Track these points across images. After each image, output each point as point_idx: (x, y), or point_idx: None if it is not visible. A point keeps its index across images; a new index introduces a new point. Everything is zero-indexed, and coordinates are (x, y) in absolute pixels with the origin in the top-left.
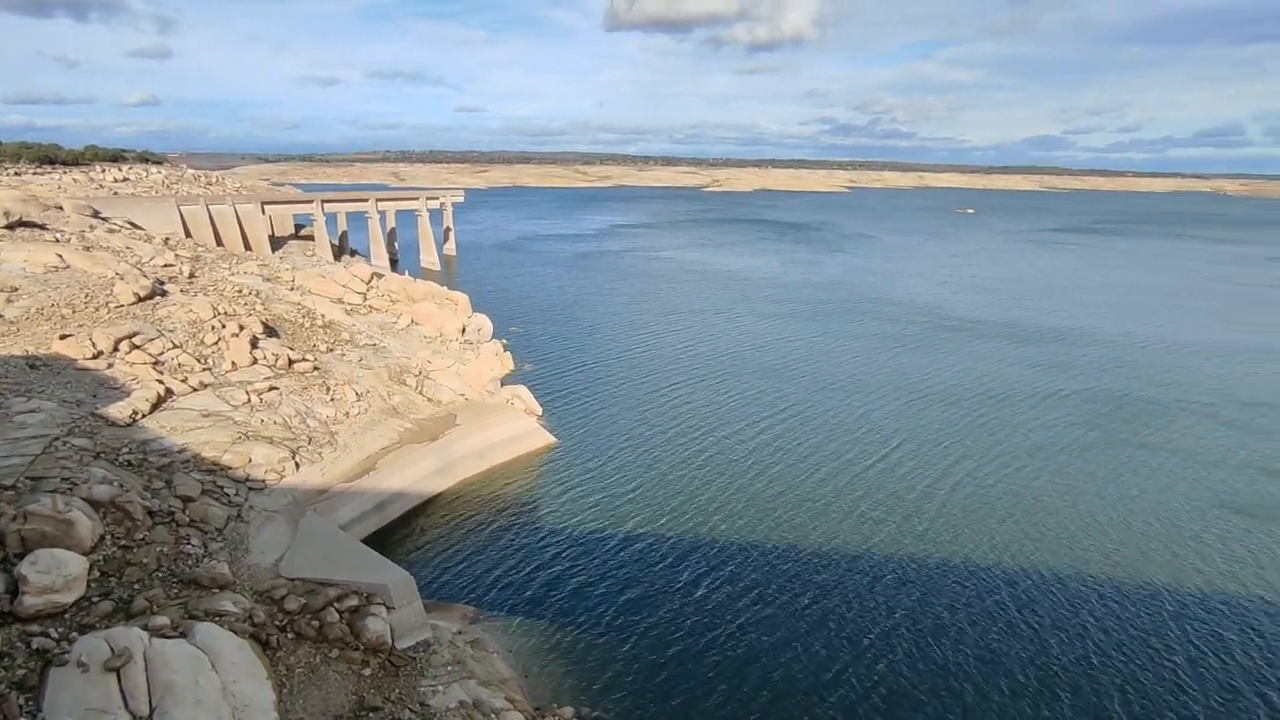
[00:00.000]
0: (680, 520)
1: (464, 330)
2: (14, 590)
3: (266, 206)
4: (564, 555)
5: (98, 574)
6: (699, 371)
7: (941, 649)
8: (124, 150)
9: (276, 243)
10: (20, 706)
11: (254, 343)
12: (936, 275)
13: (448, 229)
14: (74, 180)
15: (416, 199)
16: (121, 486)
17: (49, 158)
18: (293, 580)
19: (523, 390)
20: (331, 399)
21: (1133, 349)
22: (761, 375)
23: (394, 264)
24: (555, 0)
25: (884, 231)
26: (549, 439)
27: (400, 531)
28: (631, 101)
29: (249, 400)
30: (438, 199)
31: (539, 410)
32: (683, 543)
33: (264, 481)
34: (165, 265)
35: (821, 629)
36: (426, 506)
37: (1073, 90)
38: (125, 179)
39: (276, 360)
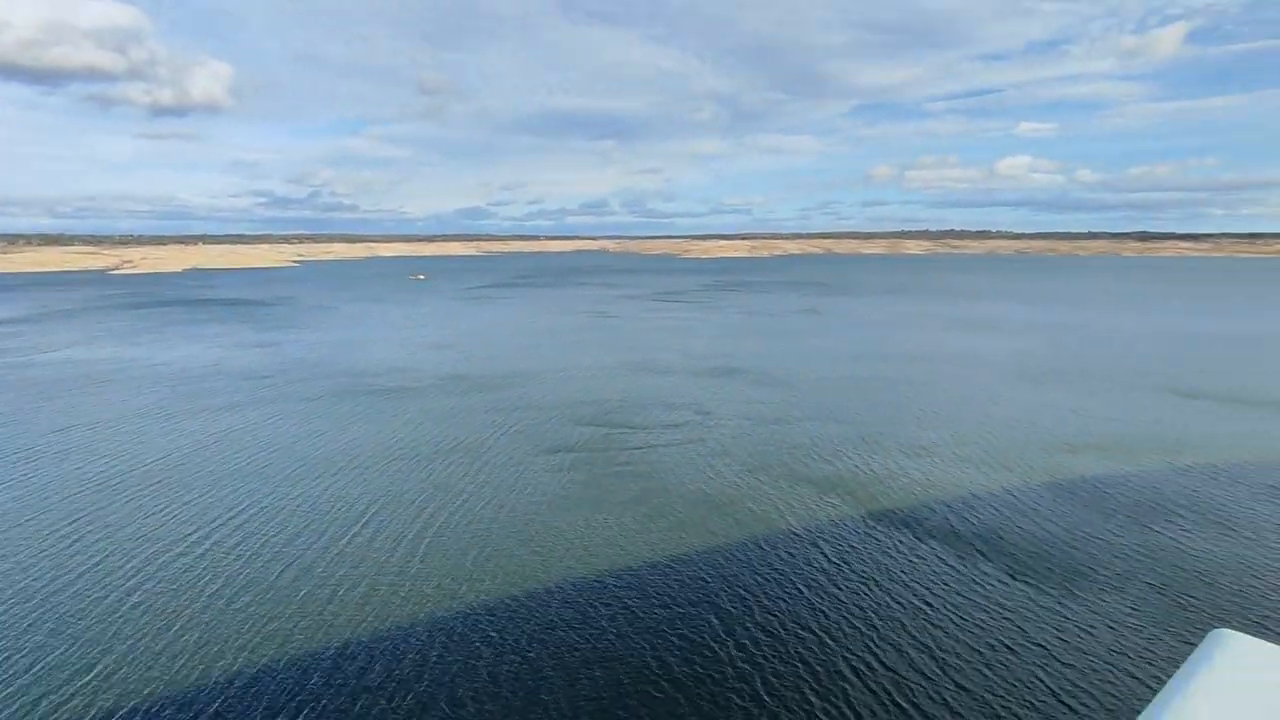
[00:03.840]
0: (129, 679)
1: None
2: None
3: None
4: None
5: None
6: (126, 492)
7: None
8: None
9: None
10: None
11: None
12: (397, 339)
13: None
14: None
15: None
16: None
17: None
18: None
19: None
20: None
21: (554, 380)
22: (210, 479)
23: None
24: None
25: (342, 302)
26: None
27: None
28: None
29: None
30: None
31: None
32: (147, 703)
33: None
34: None
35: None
36: None
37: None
38: None
39: None
